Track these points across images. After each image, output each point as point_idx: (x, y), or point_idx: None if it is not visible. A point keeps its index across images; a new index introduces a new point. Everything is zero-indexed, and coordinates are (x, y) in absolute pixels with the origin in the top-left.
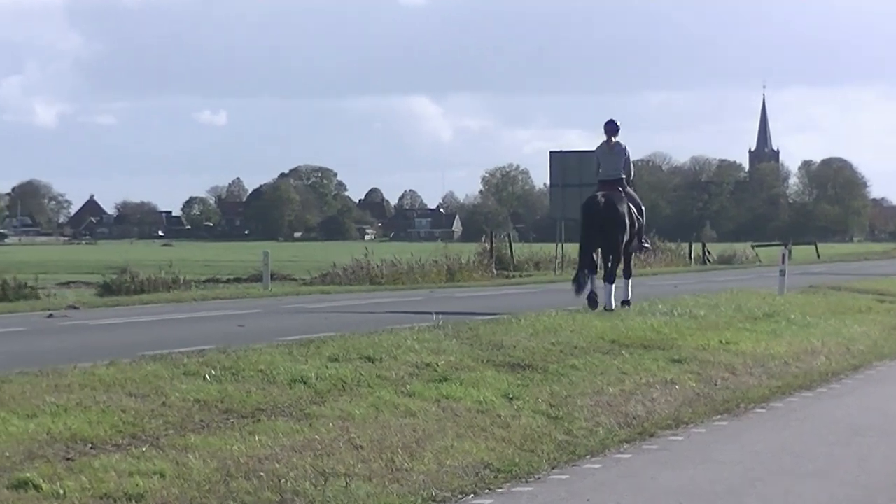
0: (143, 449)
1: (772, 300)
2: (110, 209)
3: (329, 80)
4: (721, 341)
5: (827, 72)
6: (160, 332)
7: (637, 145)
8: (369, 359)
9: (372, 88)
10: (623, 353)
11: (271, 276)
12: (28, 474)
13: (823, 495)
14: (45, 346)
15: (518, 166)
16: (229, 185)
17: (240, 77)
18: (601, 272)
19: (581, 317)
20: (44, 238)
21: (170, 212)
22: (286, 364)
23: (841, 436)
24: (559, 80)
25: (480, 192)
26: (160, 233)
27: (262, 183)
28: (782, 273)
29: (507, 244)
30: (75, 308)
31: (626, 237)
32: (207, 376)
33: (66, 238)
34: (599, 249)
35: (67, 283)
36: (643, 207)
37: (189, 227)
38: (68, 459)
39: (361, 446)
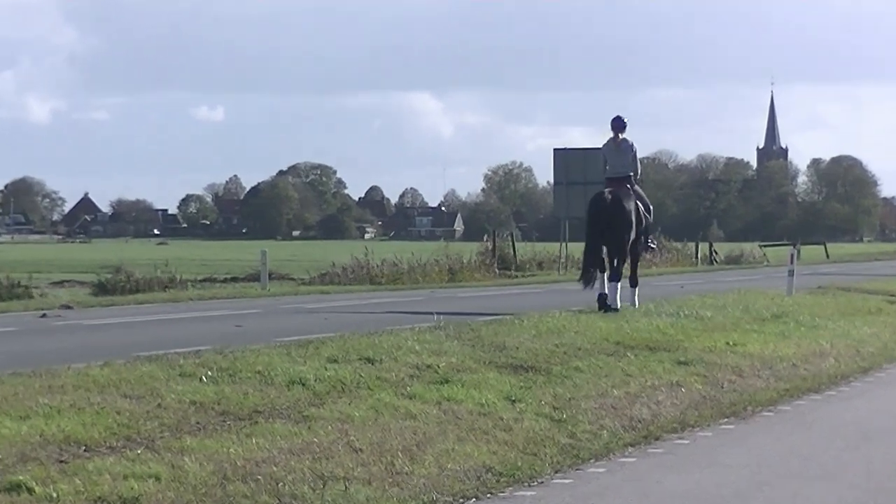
0: (138, 451)
1: (780, 301)
2: (105, 207)
3: (329, 76)
4: (728, 343)
5: (837, 68)
6: (156, 333)
7: (643, 143)
8: (369, 360)
9: (372, 84)
10: (628, 354)
11: (269, 275)
12: (21, 477)
13: (832, 499)
14: (39, 347)
15: (521, 164)
16: (226, 182)
17: (238, 72)
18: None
19: (585, 318)
20: (37, 236)
21: (166, 210)
22: (284, 365)
23: (850, 439)
24: (563, 77)
25: (482, 190)
26: (156, 231)
27: (260, 180)
28: (791, 273)
29: (510, 243)
30: (69, 308)
31: (632, 235)
32: (204, 377)
33: (60, 236)
34: (605, 248)
35: (61, 283)
36: (651, 206)
37: (185, 225)
38: (62, 462)
39: (361, 449)
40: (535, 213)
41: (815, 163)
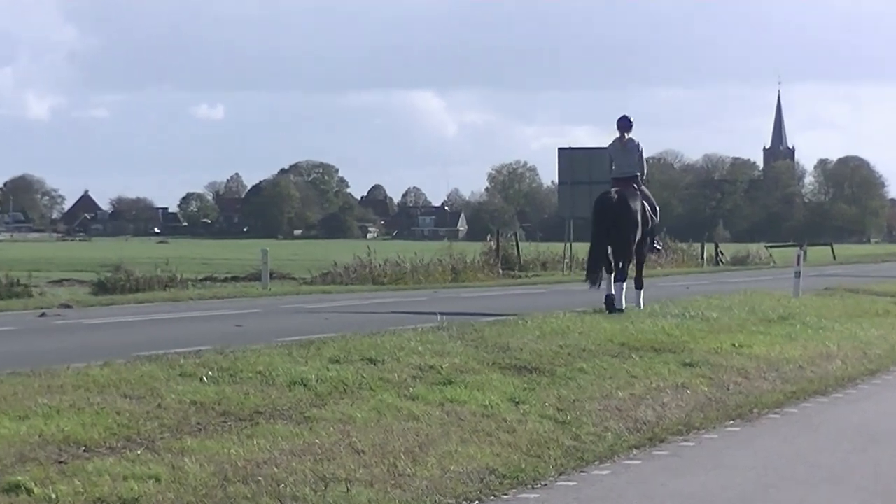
0: (138, 452)
1: (786, 302)
2: (105, 205)
3: (331, 74)
4: (734, 344)
5: (844, 68)
6: (156, 332)
7: (648, 142)
8: (371, 361)
9: (375, 82)
10: (633, 356)
11: (270, 274)
12: (19, 478)
13: (839, 503)
14: (38, 346)
15: (525, 163)
16: (227, 180)
17: (238, 70)
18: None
19: (590, 319)
20: (36, 234)
21: (166, 208)
22: (286, 365)
23: (857, 442)
24: (567, 76)
25: (486, 189)
26: (156, 230)
27: (262, 179)
28: (797, 274)
29: (514, 243)
30: (68, 307)
31: (638, 236)
32: (204, 378)
33: (60, 234)
34: (610, 248)
35: (60, 281)
36: (657, 207)
37: (186, 224)
38: (61, 463)
39: (363, 451)
40: (540, 213)
41: (822, 163)
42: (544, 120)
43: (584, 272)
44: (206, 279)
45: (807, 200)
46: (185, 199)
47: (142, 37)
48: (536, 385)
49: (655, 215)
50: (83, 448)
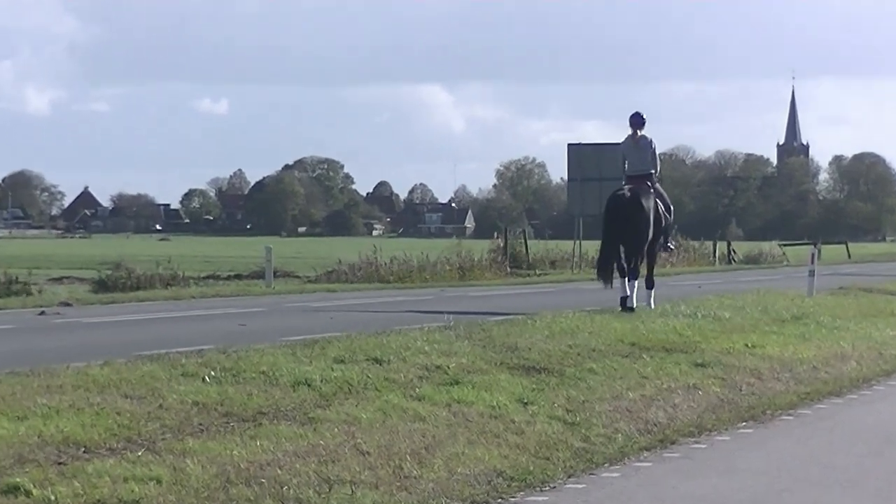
0: (139, 453)
1: (800, 302)
2: (105, 201)
3: (336, 67)
4: (747, 345)
5: (859, 62)
6: (157, 331)
7: (659, 138)
8: (377, 360)
9: (381, 76)
10: (644, 356)
11: (274, 272)
12: (18, 479)
13: None
14: (37, 345)
15: (534, 159)
16: (230, 177)
17: (242, 64)
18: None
19: (600, 318)
20: (35, 231)
21: (168, 205)
22: (289, 365)
23: (872, 444)
24: (578, 69)
25: (494, 186)
26: (157, 227)
27: (265, 175)
28: (811, 273)
29: (522, 241)
30: (68, 305)
31: (650, 235)
32: (207, 378)
33: (59, 231)
34: (622, 247)
35: (60, 279)
36: (671, 205)
37: (188, 220)
38: (60, 464)
39: (368, 452)
40: (549, 210)
41: (837, 160)
42: (553, 115)
43: (595, 271)
44: (208, 277)
45: (821, 198)
46: (188, 196)
47: (143, 29)
48: (545, 386)
49: (669, 214)
50: (83, 449)
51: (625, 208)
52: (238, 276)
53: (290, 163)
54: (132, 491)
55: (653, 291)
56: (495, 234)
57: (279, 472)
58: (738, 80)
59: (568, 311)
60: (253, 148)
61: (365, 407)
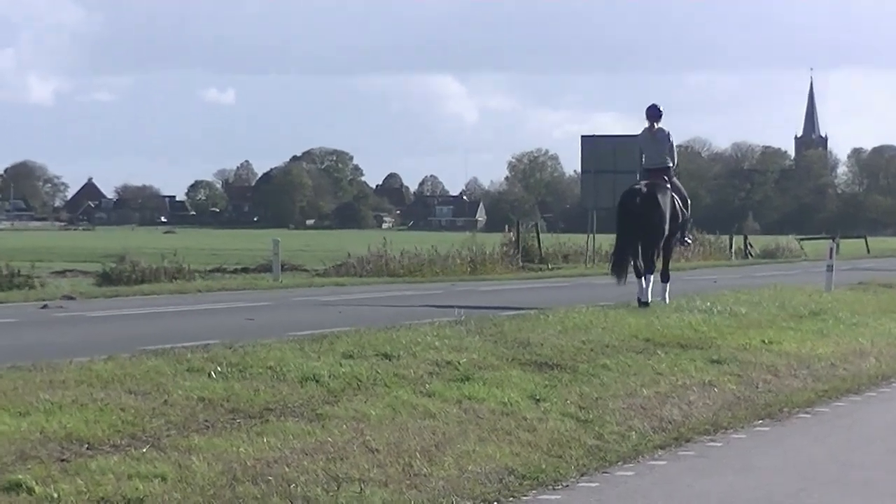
0: (144, 450)
1: (818, 297)
2: (109, 193)
3: (346, 57)
4: (763, 341)
5: (879, 54)
6: (162, 325)
7: (675, 130)
8: (386, 356)
9: (392, 66)
10: (658, 352)
11: (282, 266)
12: (20, 476)
13: None
14: (39, 339)
15: (547, 151)
16: (237, 168)
17: (250, 52)
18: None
19: (614, 313)
20: (38, 223)
21: (173, 196)
22: (297, 361)
23: (891, 443)
24: (592, 59)
25: (506, 178)
26: (163, 219)
27: (273, 167)
28: (829, 268)
29: (535, 235)
30: (71, 298)
31: (666, 232)
32: (213, 373)
33: (62, 223)
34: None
35: (63, 272)
36: (689, 199)
37: (194, 212)
38: (63, 461)
39: (377, 449)
40: (562, 203)
41: (856, 152)
42: (567, 106)
43: (609, 266)
44: (214, 270)
45: (840, 191)
46: (194, 187)
47: (148, 17)
48: (558, 382)
49: (686, 208)
50: (86, 446)
51: (641, 205)
52: (245, 270)
53: (299, 154)
54: (136, 488)
55: (668, 285)
56: (507, 228)
57: (286, 469)
58: (756, 71)
59: (581, 306)
60: (260, 139)
61: (374, 403)
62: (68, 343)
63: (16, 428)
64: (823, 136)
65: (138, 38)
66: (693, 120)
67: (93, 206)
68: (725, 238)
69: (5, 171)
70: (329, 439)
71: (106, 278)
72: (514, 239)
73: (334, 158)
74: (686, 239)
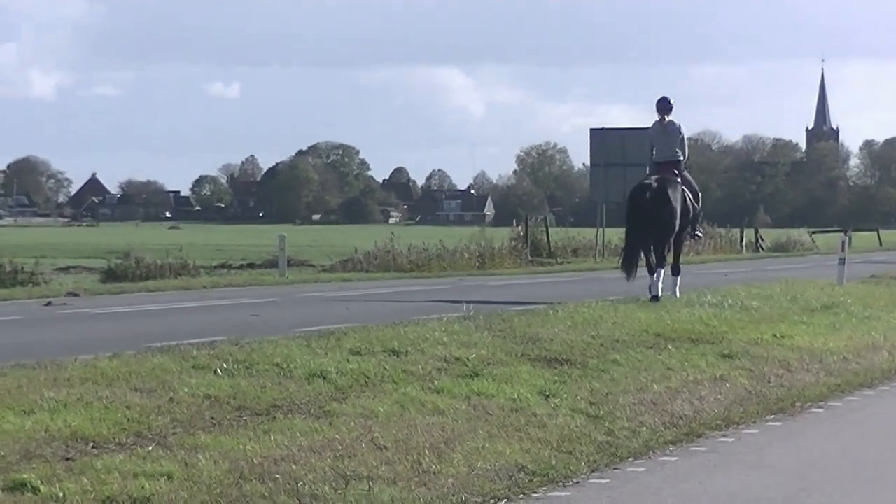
0: (149, 449)
1: (830, 291)
2: (114, 188)
3: (352, 49)
4: (775, 335)
5: (891, 44)
6: (167, 322)
7: (686, 123)
8: (394, 352)
9: (398, 58)
10: (669, 347)
11: (288, 262)
12: (25, 475)
13: None
14: (43, 337)
15: (556, 144)
16: (242, 163)
17: (254, 45)
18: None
19: (623, 308)
20: (41, 219)
21: (178, 192)
22: (304, 357)
23: None
24: (601, 51)
25: (514, 172)
26: (167, 214)
27: (278, 161)
28: (841, 261)
29: (543, 229)
30: (75, 295)
31: (677, 227)
32: (219, 370)
33: (66, 219)
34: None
35: (67, 269)
36: (699, 193)
37: (199, 208)
38: (68, 459)
39: (385, 447)
40: (571, 197)
41: (868, 144)
42: (576, 98)
43: (620, 260)
44: (219, 266)
45: (852, 184)
46: (198, 183)
47: (152, 10)
48: (567, 378)
49: (697, 202)
50: (91, 444)
51: (651, 200)
52: (251, 266)
53: (304, 148)
54: (142, 487)
55: (679, 279)
56: (515, 222)
57: (294, 467)
58: (766, 63)
59: (591, 301)
60: (265, 133)
61: (382, 400)
62: (73, 340)
63: (20, 427)
64: (835, 128)
65: (141, 32)
66: (703, 112)
67: (96, 201)
68: (736, 231)
69: (8, 166)
70: (337, 437)
71: (110, 275)
72: (522, 233)
73: (340, 153)
74: (697, 232)
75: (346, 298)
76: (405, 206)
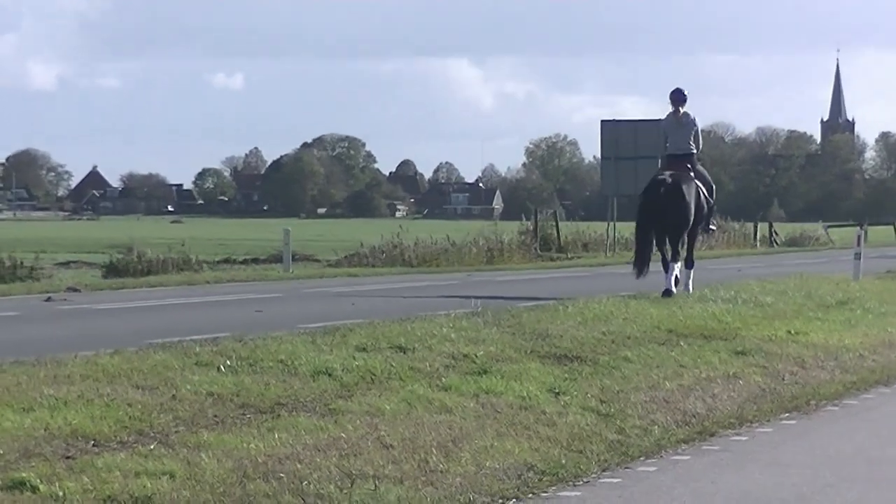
0: (151, 447)
1: (845, 286)
2: (115, 182)
3: (358, 40)
4: (789, 331)
5: None
6: (170, 318)
7: (698, 114)
8: (401, 349)
9: (405, 49)
10: (681, 343)
11: (292, 256)
12: (24, 474)
13: None
14: (43, 333)
15: (566, 137)
16: (246, 155)
17: (258, 36)
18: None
19: (635, 304)
20: (41, 213)
21: (180, 185)
22: (309, 354)
23: None
24: (612, 41)
25: (524, 165)
26: (170, 208)
27: (283, 154)
28: (857, 256)
29: (553, 223)
30: (76, 290)
31: (691, 223)
32: (222, 367)
33: (66, 213)
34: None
35: (67, 263)
36: (714, 186)
37: (201, 201)
38: (68, 458)
39: (392, 445)
40: (581, 191)
41: (884, 137)
42: (587, 90)
43: (632, 256)
44: (223, 261)
45: (867, 177)
46: (201, 176)
47: (155, 0)
48: (578, 375)
49: (711, 196)
50: (92, 442)
51: (665, 196)
52: (254, 261)
53: (309, 141)
54: (144, 486)
55: (692, 272)
56: (525, 217)
57: (298, 466)
58: (780, 53)
59: (601, 297)
60: (270, 125)
61: (389, 398)
62: (73, 336)
63: (19, 424)
64: (850, 119)
65: (143, 22)
66: (716, 104)
67: (97, 195)
68: (750, 226)
69: (7, 159)
70: (342, 435)
71: (112, 270)
72: (531, 227)
73: (346, 145)
74: (710, 226)
75: (351, 294)
76: (412, 200)
